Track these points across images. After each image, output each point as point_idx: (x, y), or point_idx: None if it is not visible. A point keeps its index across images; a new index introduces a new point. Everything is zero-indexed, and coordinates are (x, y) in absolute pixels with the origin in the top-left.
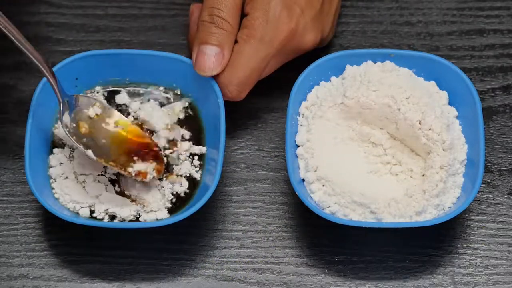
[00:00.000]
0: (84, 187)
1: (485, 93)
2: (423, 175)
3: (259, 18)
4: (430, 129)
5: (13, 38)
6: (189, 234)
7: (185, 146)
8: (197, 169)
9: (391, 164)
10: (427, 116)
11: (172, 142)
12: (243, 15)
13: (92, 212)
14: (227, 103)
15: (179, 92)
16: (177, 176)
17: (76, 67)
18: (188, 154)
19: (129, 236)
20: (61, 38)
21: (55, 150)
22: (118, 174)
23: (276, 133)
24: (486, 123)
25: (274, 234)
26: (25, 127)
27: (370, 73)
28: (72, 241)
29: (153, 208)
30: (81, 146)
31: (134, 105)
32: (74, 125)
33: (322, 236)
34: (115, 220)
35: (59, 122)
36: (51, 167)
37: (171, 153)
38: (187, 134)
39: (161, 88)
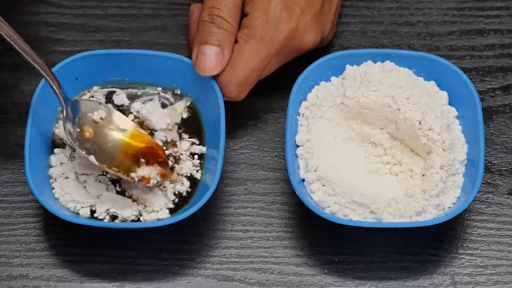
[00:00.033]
0: (85, 187)
1: (485, 93)
2: (423, 175)
3: (259, 18)
4: (430, 129)
5: (16, 46)
6: (189, 234)
7: (185, 146)
8: (198, 168)
9: (391, 164)
10: (427, 116)
11: (171, 142)
12: (243, 15)
13: (93, 212)
14: (227, 103)
15: (179, 92)
16: (178, 175)
17: (76, 67)
18: (188, 154)
19: (129, 236)
20: (61, 38)
21: (56, 150)
22: None
23: (276, 133)
24: (486, 123)
25: (274, 234)
26: (25, 127)
27: (370, 73)
28: (72, 241)
29: (155, 208)
30: (84, 152)
31: (136, 104)
32: (78, 129)
33: (322, 236)
34: (116, 220)
35: (59, 122)
36: (51, 167)
37: (171, 153)
38: (186, 134)
39: (161, 88)
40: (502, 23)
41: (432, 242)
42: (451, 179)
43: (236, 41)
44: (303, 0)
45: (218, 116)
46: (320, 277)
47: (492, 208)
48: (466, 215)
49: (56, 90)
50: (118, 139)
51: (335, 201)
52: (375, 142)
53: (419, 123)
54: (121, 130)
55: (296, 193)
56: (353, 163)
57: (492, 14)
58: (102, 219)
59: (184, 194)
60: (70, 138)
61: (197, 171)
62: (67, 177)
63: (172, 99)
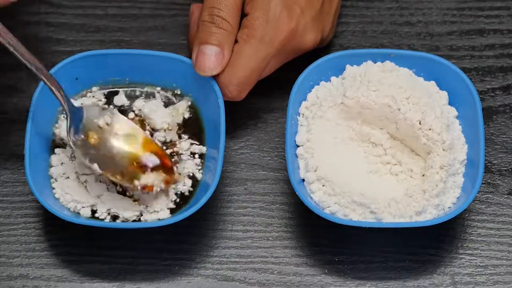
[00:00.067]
0: (85, 187)
1: (485, 93)
2: (423, 175)
3: (259, 18)
4: (430, 129)
5: (18, 54)
6: (189, 234)
7: (185, 146)
8: (200, 168)
9: (391, 164)
10: (427, 116)
11: (170, 143)
12: (243, 15)
13: (94, 212)
14: (227, 103)
15: (179, 92)
16: (179, 174)
17: (76, 67)
18: (189, 153)
19: (129, 236)
20: (61, 38)
21: (57, 150)
22: None
23: (276, 133)
24: (486, 123)
25: (274, 234)
26: (25, 127)
27: (370, 73)
28: (72, 241)
29: (156, 208)
30: (87, 161)
31: (137, 102)
32: (83, 136)
33: (322, 236)
34: (117, 220)
35: (59, 122)
36: (52, 166)
37: (172, 152)
38: (186, 134)
39: (161, 88)
40: (502, 23)
41: (432, 242)
42: (451, 179)
43: (236, 41)
44: (303, 0)
45: (218, 116)
46: (320, 277)
47: (492, 208)
48: (466, 215)
49: (59, 97)
50: (123, 144)
51: (335, 201)
52: (375, 142)
53: (419, 123)
54: (128, 136)
55: (296, 193)
56: (353, 163)
57: (492, 14)
58: (103, 219)
59: (186, 193)
60: (73, 146)
61: (199, 170)
62: (67, 177)
63: (173, 99)
